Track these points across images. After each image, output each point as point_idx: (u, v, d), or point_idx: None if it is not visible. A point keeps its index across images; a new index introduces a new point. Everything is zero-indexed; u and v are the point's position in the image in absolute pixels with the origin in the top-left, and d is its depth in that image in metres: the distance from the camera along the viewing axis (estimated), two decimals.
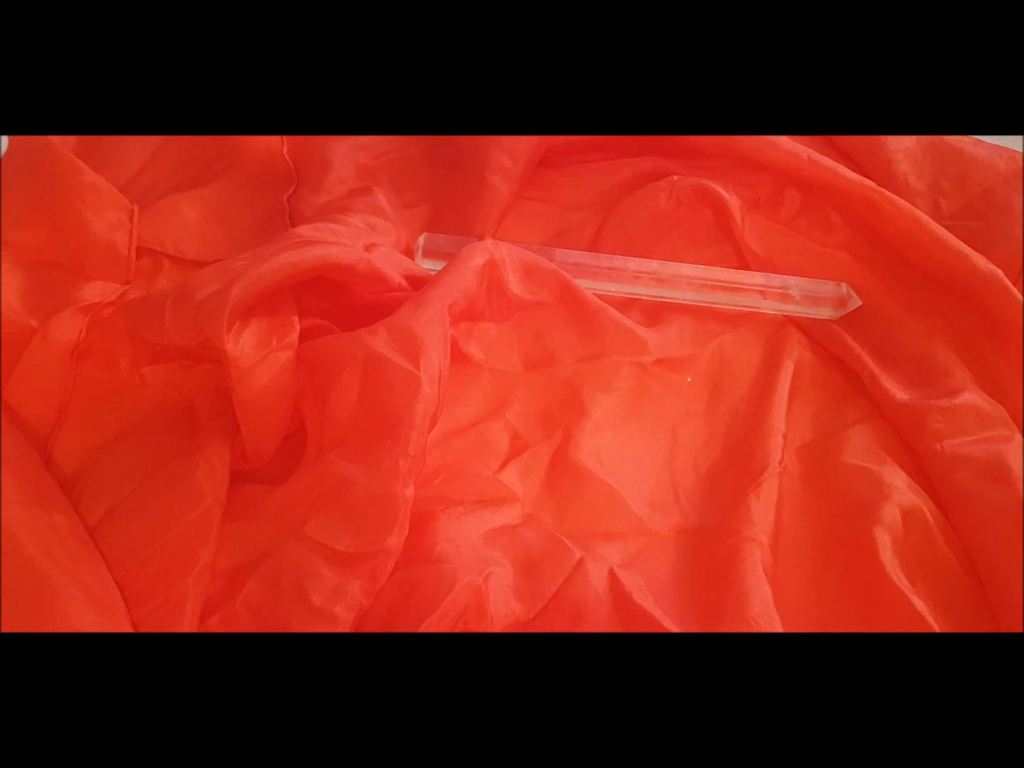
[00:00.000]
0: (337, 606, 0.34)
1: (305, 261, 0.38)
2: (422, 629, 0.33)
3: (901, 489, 0.41)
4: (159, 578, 0.35)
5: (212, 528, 0.36)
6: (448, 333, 0.39)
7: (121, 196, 0.46)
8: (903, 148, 0.50)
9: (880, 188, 0.47)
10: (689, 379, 0.47)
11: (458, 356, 0.44)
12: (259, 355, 0.37)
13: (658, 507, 0.42)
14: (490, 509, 0.40)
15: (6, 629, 0.31)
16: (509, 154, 0.50)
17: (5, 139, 0.47)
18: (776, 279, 0.48)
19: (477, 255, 0.42)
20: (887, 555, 0.38)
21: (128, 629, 0.33)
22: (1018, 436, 0.42)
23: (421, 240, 0.48)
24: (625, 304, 0.49)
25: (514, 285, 0.44)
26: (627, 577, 0.37)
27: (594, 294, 0.46)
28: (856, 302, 0.47)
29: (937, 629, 0.36)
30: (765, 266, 0.49)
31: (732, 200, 0.49)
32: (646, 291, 0.48)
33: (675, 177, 0.50)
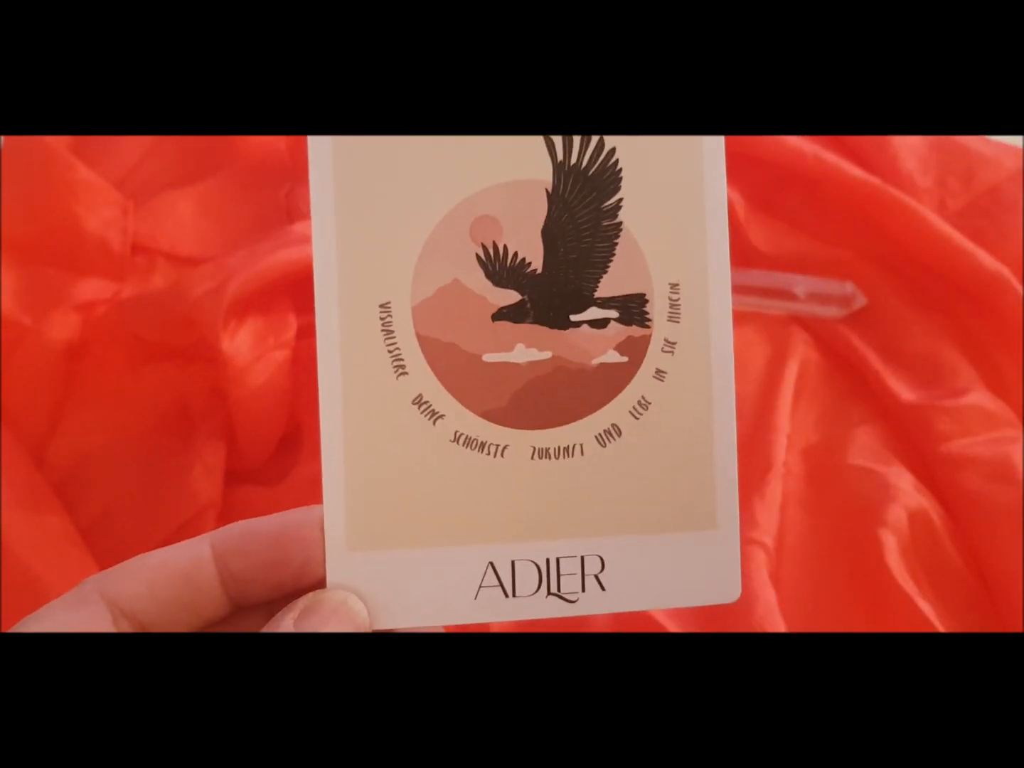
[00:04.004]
0: None
1: (302, 259, 0.38)
2: None
3: (907, 491, 0.40)
4: None
5: (207, 529, 0.36)
6: None
7: (115, 193, 0.46)
8: (909, 146, 0.50)
9: (886, 185, 0.47)
10: None
11: None
12: (255, 354, 0.37)
13: None
14: None
15: None
16: None
17: (1, 138, 0.47)
18: (780, 278, 0.47)
19: None
20: (893, 557, 0.38)
21: None
22: None
23: None
24: None
25: None
26: None
27: None
28: (861, 301, 0.47)
29: (942, 630, 0.36)
30: (769, 264, 0.49)
31: (736, 198, 0.49)
32: None
33: None
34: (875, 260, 0.48)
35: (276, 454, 0.40)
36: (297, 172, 0.50)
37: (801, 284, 0.47)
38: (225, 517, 0.37)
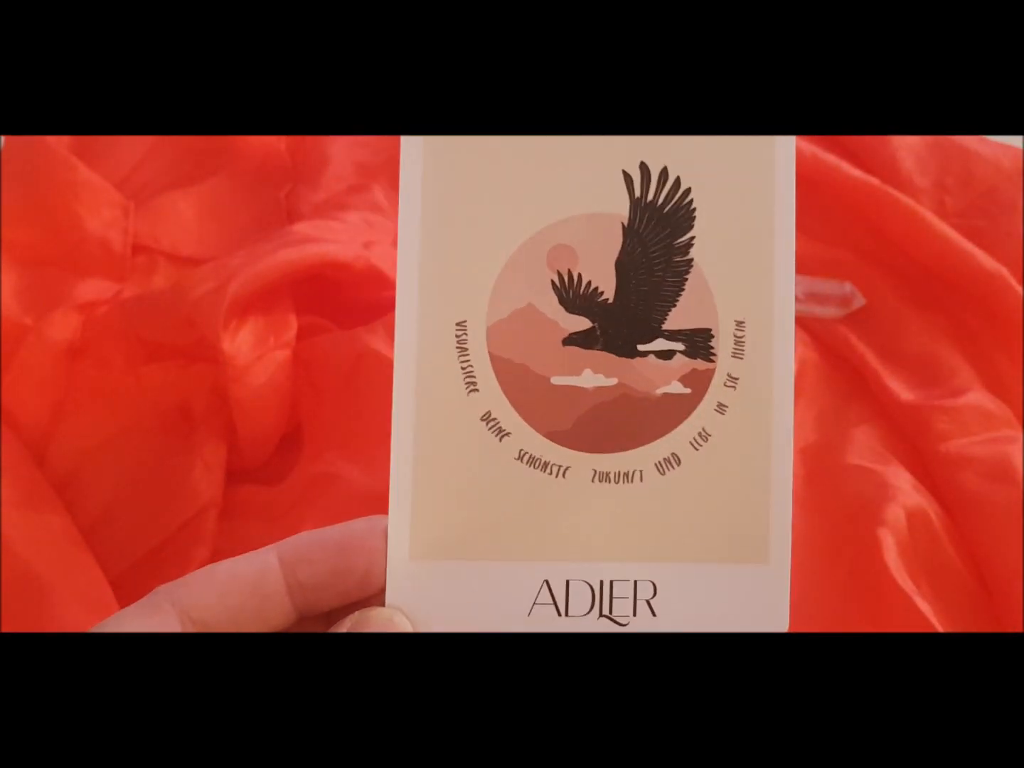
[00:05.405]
0: None
1: (303, 259, 0.38)
2: None
3: (905, 490, 0.40)
4: (154, 579, 0.34)
5: (208, 528, 0.36)
6: None
7: (116, 193, 0.46)
8: (907, 146, 0.50)
9: (884, 186, 0.47)
10: None
11: None
12: (256, 354, 0.37)
13: None
14: None
15: None
16: None
17: (2, 138, 0.47)
18: None
19: None
20: (891, 556, 0.38)
21: None
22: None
23: None
24: None
25: None
26: None
27: None
28: (860, 301, 0.47)
29: (941, 630, 0.36)
30: None
31: None
32: None
33: None
34: (874, 260, 0.48)
35: (276, 454, 0.40)
36: (297, 172, 0.50)
37: (800, 284, 0.47)
38: (226, 517, 0.37)
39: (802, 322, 0.48)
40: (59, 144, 0.46)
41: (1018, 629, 0.37)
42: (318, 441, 0.38)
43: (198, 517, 0.36)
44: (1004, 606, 0.38)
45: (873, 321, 0.47)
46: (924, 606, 0.37)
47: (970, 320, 0.45)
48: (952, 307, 0.46)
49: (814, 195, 0.49)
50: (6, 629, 0.33)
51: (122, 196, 0.46)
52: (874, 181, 0.47)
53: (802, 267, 0.49)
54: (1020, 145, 0.50)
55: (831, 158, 0.47)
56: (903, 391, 0.44)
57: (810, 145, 0.48)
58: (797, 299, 0.47)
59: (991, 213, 0.48)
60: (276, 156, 0.50)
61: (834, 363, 0.47)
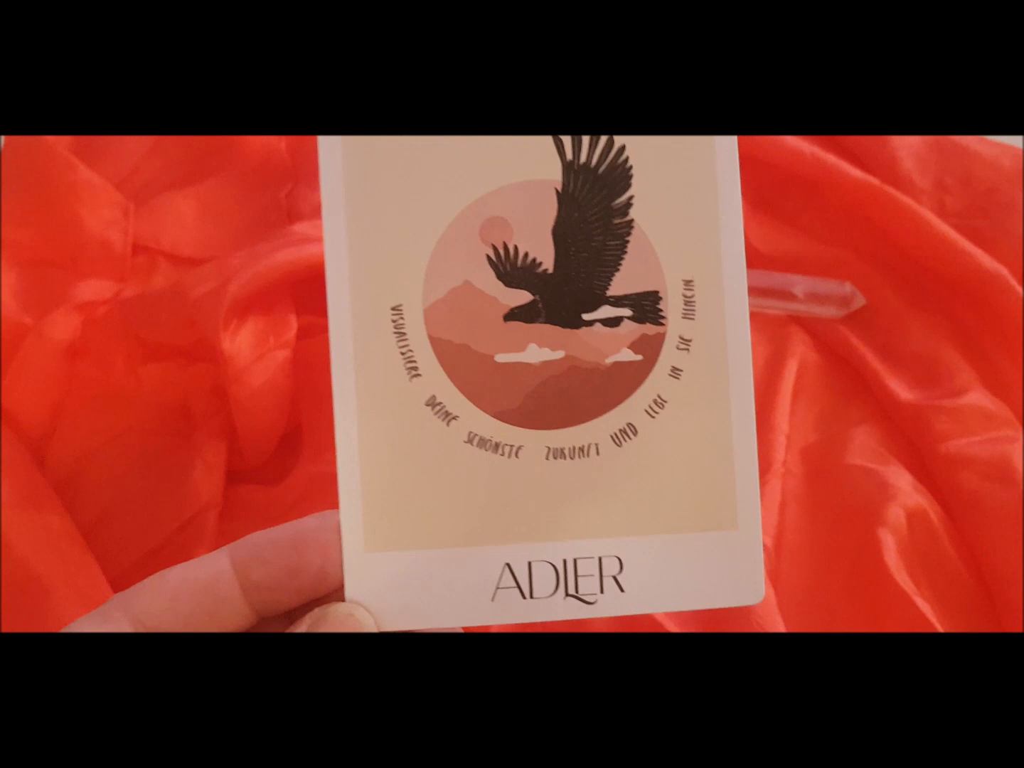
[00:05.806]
0: None
1: (303, 259, 0.38)
2: None
3: (905, 490, 0.40)
4: None
5: (208, 528, 0.36)
6: None
7: (116, 193, 0.46)
8: (907, 146, 0.50)
9: (884, 186, 0.47)
10: None
11: None
12: (256, 354, 0.37)
13: None
14: None
15: None
16: None
17: (2, 138, 0.47)
18: (779, 278, 0.47)
19: None
20: (891, 556, 0.38)
21: None
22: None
23: None
24: None
25: None
26: None
27: None
28: (860, 301, 0.47)
29: (941, 630, 0.36)
30: (768, 264, 0.49)
31: None
32: None
33: None
34: (874, 260, 0.48)
35: (276, 454, 0.40)
36: (298, 172, 0.50)
37: (800, 284, 0.47)
38: (226, 517, 0.37)
39: (802, 322, 0.48)
40: (59, 144, 0.46)
41: (1018, 629, 0.37)
42: (318, 441, 0.38)
43: (198, 517, 0.36)
44: (1004, 606, 0.38)
45: (873, 321, 0.47)
46: (924, 606, 0.37)
47: (970, 320, 0.45)
48: (952, 307, 0.46)
49: (814, 195, 0.49)
50: (6, 629, 0.33)
51: (122, 196, 0.46)
52: (874, 181, 0.47)
53: (802, 267, 0.49)
54: (1020, 145, 0.50)
55: (831, 158, 0.47)
56: (903, 391, 0.44)
57: (810, 145, 0.48)
58: (797, 299, 0.47)
59: (991, 213, 0.48)
60: (276, 156, 0.50)
61: (834, 363, 0.47)
